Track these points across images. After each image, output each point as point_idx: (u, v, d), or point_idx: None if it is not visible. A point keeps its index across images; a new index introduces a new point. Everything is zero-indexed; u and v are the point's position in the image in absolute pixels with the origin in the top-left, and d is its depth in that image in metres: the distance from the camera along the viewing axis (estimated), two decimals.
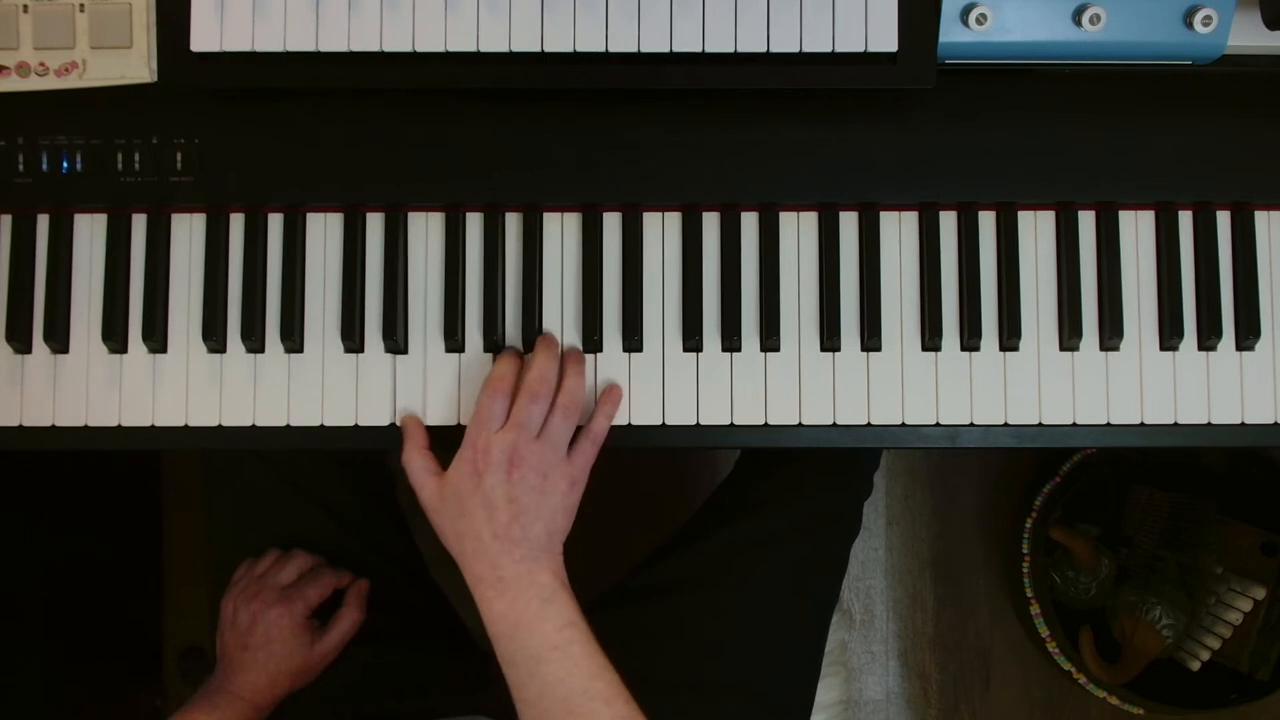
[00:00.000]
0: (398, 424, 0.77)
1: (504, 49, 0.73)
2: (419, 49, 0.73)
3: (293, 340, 0.77)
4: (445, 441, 0.76)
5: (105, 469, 1.38)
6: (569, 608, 0.72)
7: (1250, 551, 1.43)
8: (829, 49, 0.73)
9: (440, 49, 0.73)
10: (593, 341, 0.77)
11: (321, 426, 0.77)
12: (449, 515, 0.73)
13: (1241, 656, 1.42)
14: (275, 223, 0.78)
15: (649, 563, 0.97)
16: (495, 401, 0.73)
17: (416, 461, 0.75)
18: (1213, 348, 0.78)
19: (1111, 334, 0.77)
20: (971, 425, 0.77)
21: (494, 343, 0.78)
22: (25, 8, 0.76)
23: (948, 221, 0.79)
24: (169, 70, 0.75)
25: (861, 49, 0.73)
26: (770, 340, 0.77)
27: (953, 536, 1.60)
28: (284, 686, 0.87)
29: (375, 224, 0.78)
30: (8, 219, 0.78)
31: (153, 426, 0.77)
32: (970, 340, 0.77)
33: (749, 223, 0.78)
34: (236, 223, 0.78)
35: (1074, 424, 0.78)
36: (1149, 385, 0.78)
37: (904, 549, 1.60)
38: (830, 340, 0.77)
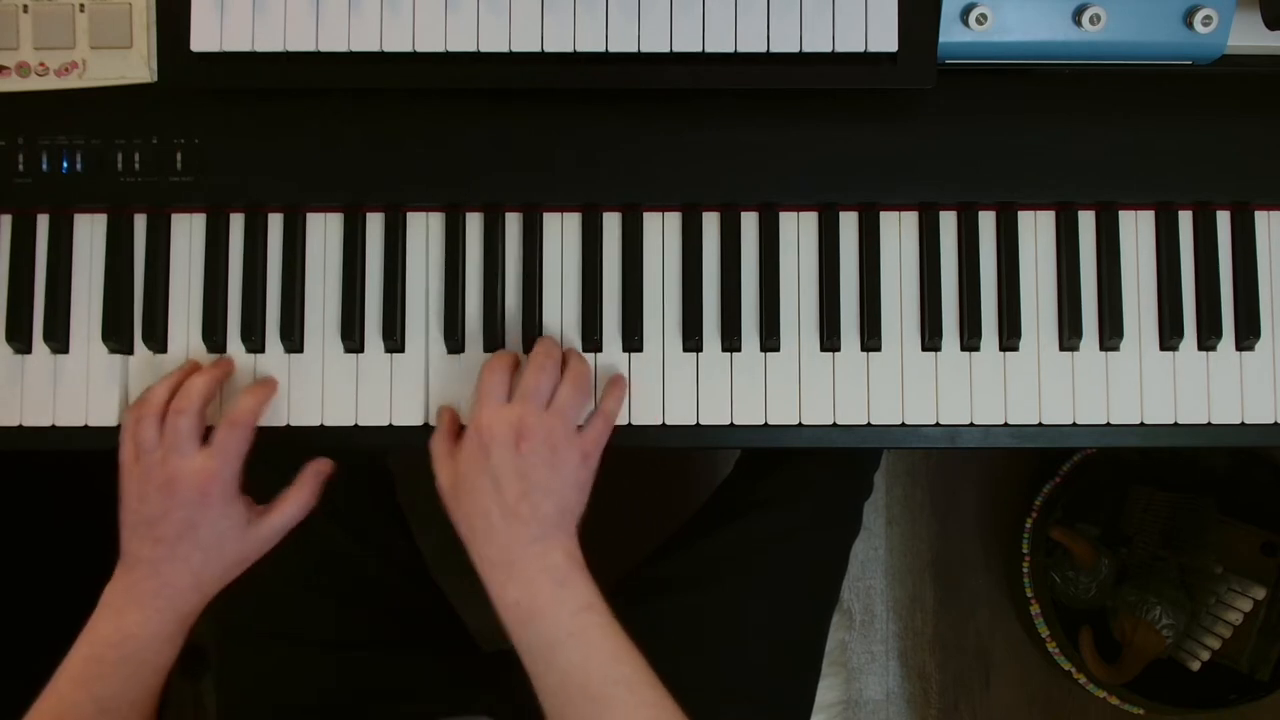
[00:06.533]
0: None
1: (504, 49, 0.73)
2: (419, 49, 0.73)
3: (292, 340, 0.77)
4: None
5: (105, 469, 1.37)
6: (585, 589, 0.68)
7: (1250, 551, 1.43)
8: (829, 49, 0.73)
9: (440, 49, 0.73)
10: (593, 341, 0.77)
11: (321, 426, 0.77)
12: (459, 497, 0.70)
13: (1241, 656, 1.42)
14: (275, 223, 0.78)
15: (648, 563, 0.97)
16: (496, 375, 0.71)
17: (438, 446, 0.73)
18: (1213, 348, 0.78)
19: (1111, 334, 0.77)
20: (971, 425, 0.77)
21: (494, 343, 0.78)
22: (25, 8, 0.76)
23: (948, 221, 0.79)
24: (169, 70, 0.75)
25: (861, 49, 0.73)
26: (770, 340, 0.77)
27: (953, 536, 1.60)
28: (212, 588, 0.72)
29: (375, 224, 0.78)
30: (8, 219, 0.78)
31: None
32: (970, 340, 0.77)
33: (749, 223, 0.78)
34: (236, 223, 0.78)
35: (1074, 424, 0.78)
36: (1149, 385, 0.78)
37: (904, 549, 1.60)
38: (830, 340, 0.77)
